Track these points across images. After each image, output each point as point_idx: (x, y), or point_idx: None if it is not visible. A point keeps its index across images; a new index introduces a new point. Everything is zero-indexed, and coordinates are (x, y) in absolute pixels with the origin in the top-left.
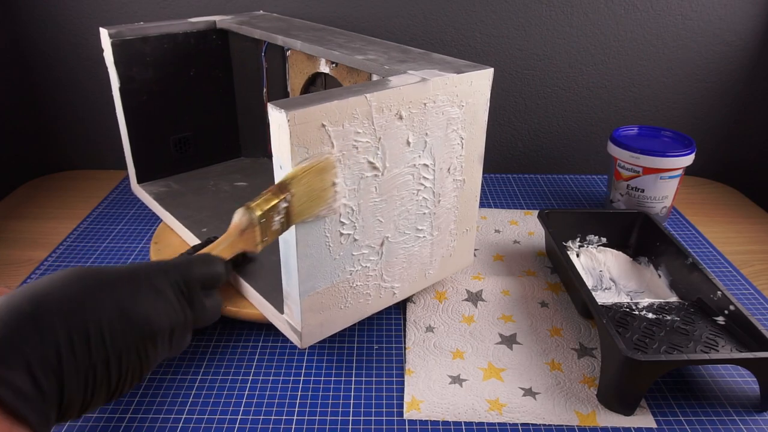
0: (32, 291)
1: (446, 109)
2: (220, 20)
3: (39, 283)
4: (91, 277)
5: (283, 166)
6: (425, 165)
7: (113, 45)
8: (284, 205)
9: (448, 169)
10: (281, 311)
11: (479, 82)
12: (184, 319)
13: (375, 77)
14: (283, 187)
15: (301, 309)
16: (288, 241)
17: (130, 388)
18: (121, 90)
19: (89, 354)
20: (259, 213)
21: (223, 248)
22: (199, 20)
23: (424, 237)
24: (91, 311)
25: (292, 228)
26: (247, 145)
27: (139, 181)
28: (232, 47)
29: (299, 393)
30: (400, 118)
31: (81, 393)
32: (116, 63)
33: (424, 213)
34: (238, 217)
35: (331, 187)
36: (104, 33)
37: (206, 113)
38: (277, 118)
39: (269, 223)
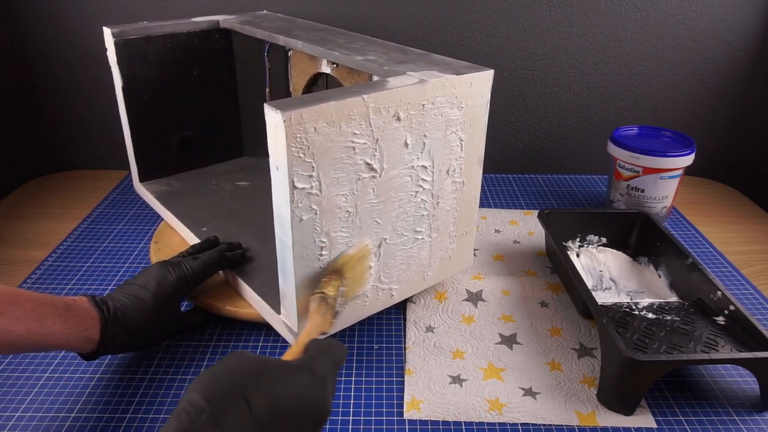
0: (234, 378)
1: (445, 111)
2: (224, 20)
3: (220, 371)
4: (269, 369)
5: (279, 167)
6: (424, 167)
7: (116, 44)
8: (343, 288)
9: (447, 171)
10: (278, 311)
11: (479, 83)
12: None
13: (375, 78)
14: (339, 272)
15: (297, 309)
16: (285, 241)
17: None
18: (124, 89)
19: None
20: (332, 297)
21: (311, 333)
22: (203, 20)
23: (422, 239)
24: (282, 401)
25: (288, 228)
26: (250, 145)
27: (141, 179)
28: (236, 47)
29: None
30: (398, 119)
31: None
32: (119, 62)
33: (423, 215)
34: (316, 303)
35: (368, 271)
36: (107, 32)
37: (209, 112)
38: (273, 118)
39: (335, 305)
